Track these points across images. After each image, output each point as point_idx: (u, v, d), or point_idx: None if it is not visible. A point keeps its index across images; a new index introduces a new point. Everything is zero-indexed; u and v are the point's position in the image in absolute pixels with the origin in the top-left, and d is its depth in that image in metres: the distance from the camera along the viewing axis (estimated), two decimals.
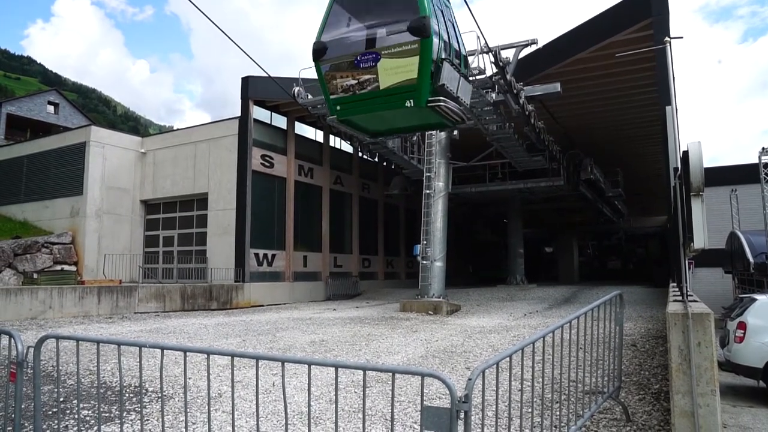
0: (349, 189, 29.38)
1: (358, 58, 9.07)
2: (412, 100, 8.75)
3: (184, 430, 5.36)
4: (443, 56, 8.91)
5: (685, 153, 6.23)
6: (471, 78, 11.46)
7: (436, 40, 8.59)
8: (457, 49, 9.65)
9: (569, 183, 26.88)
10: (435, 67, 8.70)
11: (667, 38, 10.02)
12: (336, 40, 9.30)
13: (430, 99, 8.76)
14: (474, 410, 5.36)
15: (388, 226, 32.78)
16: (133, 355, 8.46)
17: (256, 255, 23.18)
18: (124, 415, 5.99)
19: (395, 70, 8.83)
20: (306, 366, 3.61)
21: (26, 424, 5.26)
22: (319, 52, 9.49)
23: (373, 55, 8.92)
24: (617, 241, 46.94)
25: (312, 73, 19.38)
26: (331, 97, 9.43)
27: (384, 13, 9.26)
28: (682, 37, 10.45)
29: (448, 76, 9.07)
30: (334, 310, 19.67)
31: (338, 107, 9.47)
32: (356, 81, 9.19)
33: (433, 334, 12.62)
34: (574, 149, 27.06)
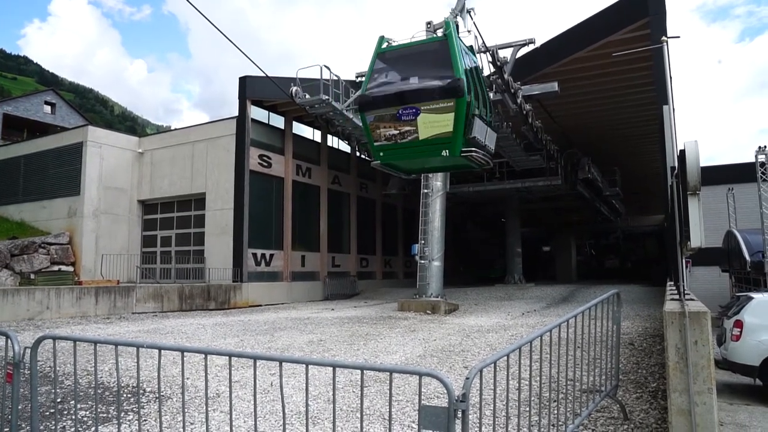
0: (347, 189, 29.37)
1: (400, 112, 10.39)
2: (447, 150, 10.16)
3: (182, 430, 5.36)
4: (475, 111, 10.19)
5: (682, 152, 6.24)
6: (496, 123, 12.69)
7: (468, 98, 9.87)
8: (485, 99, 11.01)
9: (567, 182, 26.92)
10: (467, 122, 9.97)
11: (664, 38, 10.03)
12: (380, 95, 10.62)
13: (463, 150, 10.11)
14: (472, 409, 5.37)
15: (386, 226, 32.78)
16: (130, 356, 8.44)
17: (254, 255, 23.16)
18: (122, 415, 5.98)
19: (433, 124, 10.13)
20: (304, 366, 3.61)
21: (23, 425, 5.26)
22: (366, 104, 10.92)
23: (414, 110, 10.25)
24: (615, 240, 47.00)
25: (309, 73, 19.47)
26: (375, 144, 10.83)
27: (423, 71, 10.60)
28: (679, 37, 10.46)
29: (479, 129, 10.45)
30: (332, 309, 19.67)
31: (381, 153, 10.88)
32: (398, 131, 10.54)
33: (431, 334, 12.63)
34: (572, 148, 27.10)
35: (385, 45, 10.98)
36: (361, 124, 15.43)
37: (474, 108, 10.23)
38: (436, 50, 10.65)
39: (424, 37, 11.50)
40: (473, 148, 10.32)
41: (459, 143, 10.11)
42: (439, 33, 11.64)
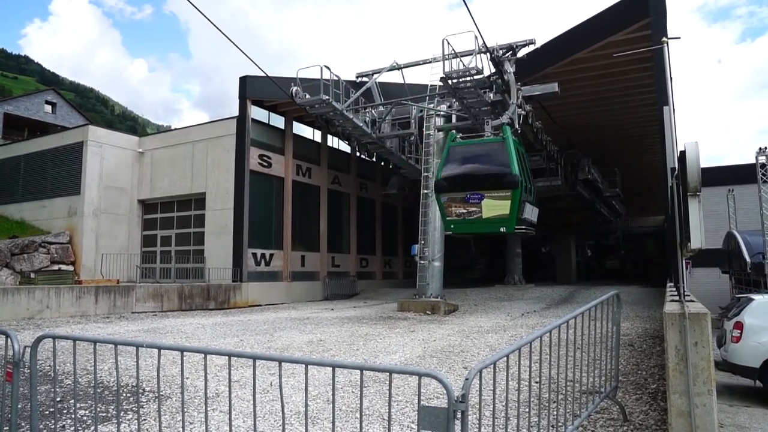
0: (346, 189, 29.37)
1: (468, 196, 14.01)
2: (504, 228, 13.84)
3: (181, 430, 5.35)
4: (524, 197, 13.63)
5: (683, 153, 6.24)
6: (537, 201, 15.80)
7: (520, 189, 13.33)
8: (531, 186, 14.56)
9: (567, 183, 26.91)
10: (520, 206, 13.43)
11: (664, 38, 10.03)
12: (452, 181, 14.33)
13: (516, 227, 13.73)
14: (471, 410, 5.37)
15: (386, 226, 32.78)
16: (130, 355, 8.44)
17: (254, 255, 23.16)
18: (121, 415, 5.98)
19: (494, 207, 13.66)
20: (303, 366, 3.61)
21: (23, 424, 5.25)
22: (441, 188, 14.60)
23: (479, 196, 13.87)
24: (615, 241, 46.94)
25: (309, 73, 19.48)
26: (447, 218, 14.62)
27: (487, 165, 14.13)
28: (679, 38, 10.46)
29: (528, 211, 14.21)
30: (332, 309, 19.66)
31: (452, 225, 14.67)
32: (466, 210, 14.16)
33: (430, 334, 12.62)
34: (572, 149, 27.08)
35: (454, 139, 14.96)
36: (360, 124, 18.19)
37: (524, 194, 13.65)
38: (496, 149, 14.09)
39: (486, 137, 15.09)
40: (523, 226, 14.11)
41: (513, 223, 13.63)
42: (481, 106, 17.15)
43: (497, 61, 16.54)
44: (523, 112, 17.02)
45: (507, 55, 17.09)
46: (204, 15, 8.59)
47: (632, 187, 36.81)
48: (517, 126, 16.11)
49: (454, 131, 15.38)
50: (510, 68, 17.09)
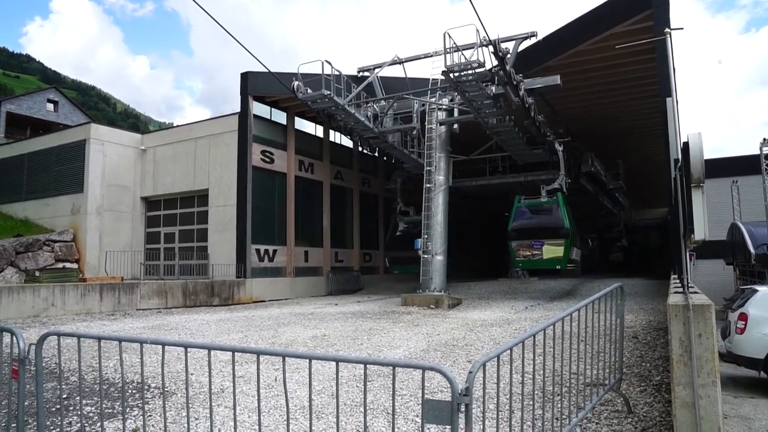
0: (349, 184, 29.36)
1: (533, 243, 20.04)
2: (558, 266, 20.34)
3: (186, 425, 5.37)
4: (572, 242, 20.10)
5: (686, 144, 6.22)
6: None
7: (570, 238, 19.78)
8: (576, 234, 21.28)
9: (570, 176, 26.82)
10: (569, 250, 19.69)
11: (667, 29, 9.98)
12: (520, 232, 20.40)
13: (568, 265, 20.84)
14: (475, 403, 5.38)
15: (389, 221, 32.74)
16: (135, 352, 8.48)
17: (258, 251, 23.19)
18: (127, 411, 6.01)
19: (551, 251, 19.71)
20: (307, 361, 3.62)
21: (30, 421, 5.29)
22: (512, 237, 20.53)
23: (540, 243, 19.96)
24: (618, 234, 46.85)
25: (311, 68, 19.44)
26: (516, 258, 20.73)
27: (545, 219, 20.26)
28: (682, 28, 10.41)
29: (575, 253, 20.89)
30: (336, 304, 19.70)
31: (520, 264, 21.34)
32: (530, 253, 20.14)
33: (434, 328, 12.64)
34: (575, 142, 26.98)
35: (520, 200, 21.24)
36: (362, 119, 18.97)
37: (573, 239, 20.24)
38: (552, 209, 20.39)
39: (542, 199, 20.98)
40: (571, 264, 21.54)
41: (565, 262, 20.18)
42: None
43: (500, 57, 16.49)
44: (569, 180, 22.71)
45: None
46: (206, 11, 8.58)
47: (636, 180, 36.68)
48: (564, 189, 21.56)
49: (519, 195, 21.95)
50: (559, 148, 22.20)
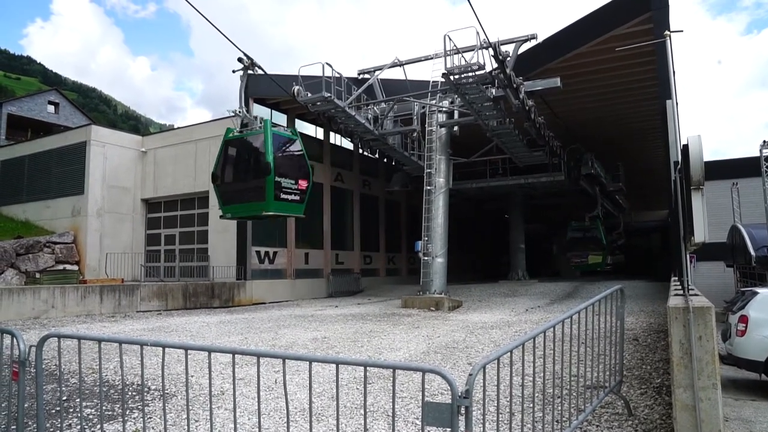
0: (349, 186, 29.35)
1: (582, 253, 32.70)
2: (599, 268, 32.72)
3: (186, 427, 5.37)
4: (607, 252, 33.36)
5: (685, 147, 6.22)
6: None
7: (606, 250, 33.07)
8: (609, 243, 34.31)
9: (570, 178, 26.86)
10: (606, 258, 33.03)
11: (667, 32, 9.99)
12: (573, 245, 33.09)
13: (606, 266, 33.53)
14: (475, 405, 5.37)
15: (389, 223, 32.77)
16: (135, 354, 8.48)
17: (258, 252, 23.19)
18: (127, 413, 6.01)
19: (593, 258, 32.11)
20: (307, 363, 3.62)
21: (30, 423, 5.28)
22: (567, 248, 33.84)
23: (586, 254, 32.32)
24: (618, 236, 46.87)
25: (311, 70, 19.45)
26: (571, 265, 34.11)
27: (590, 237, 32.37)
28: (682, 31, 10.43)
29: (609, 259, 34.28)
30: (336, 306, 19.69)
31: (573, 267, 34.02)
32: (579, 260, 32.76)
33: (434, 330, 12.63)
34: (575, 144, 27.02)
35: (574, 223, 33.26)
36: (363, 121, 18.83)
37: (607, 252, 33.04)
38: (594, 228, 32.10)
39: (585, 223, 32.56)
40: (608, 266, 33.40)
41: (603, 265, 32.48)
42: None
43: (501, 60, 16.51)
44: (603, 209, 32.24)
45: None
46: (204, 16, 8.60)
47: (636, 182, 36.71)
48: (600, 216, 32.05)
49: (571, 221, 33.25)
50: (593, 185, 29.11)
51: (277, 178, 13.43)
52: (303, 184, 14.44)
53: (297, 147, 14.78)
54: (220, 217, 15.29)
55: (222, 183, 15.07)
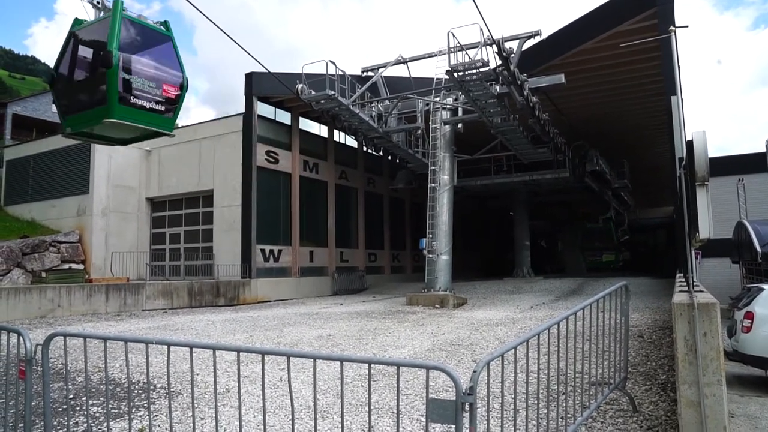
0: (354, 184, 29.38)
1: (597, 252, 38.70)
2: (612, 265, 37.12)
3: (192, 425, 5.40)
4: (620, 251, 39.27)
5: (690, 143, 6.20)
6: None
7: (619, 251, 38.85)
8: (622, 242, 39.26)
9: (574, 175, 26.78)
10: (620, 255, 39.01)
11: (672, 27, 9.94)
12: (588, 244, 38.66)
13: (619, 263, 38.08)
14: (480, 402, 5.38)
15: (394, 221, 32.77)
16: (140, 352, 8.50)
17: (263, 251, 23.24)
18: (133, 411, 6.04)
19: (607, 256, 38.20)
20: (312, 360, 3.63)
21: (37, 421, 5.32)
22: (584, 248, 39.16)
23: (601, 253, 38.32)
24: (623, 233, 46.73)
25: (315, 68, 19.48)
26: (587, 261, 38.22)
27: (604, 238, 37.39)
28: (687, 26, 10.39)
29: (623, 256, 39.44)
30: (341, 304, 19.72)
31: (590, 263, 37.99)
32: (594, 257, 38.29)
33: (439, 328, 12.64)
34: (580, 141, 26.93)
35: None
36: (366, 119, 18.90)
37: (620, 250, 38.63)
38: (607, 230, 37.00)
39: (599, 224, 37.00)
40: (621, 263, 37.99)
41: (617, 262, 37.69)
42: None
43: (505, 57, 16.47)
44: (614, 211, 34.45)
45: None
46: (206, 16, 8.60)
47: (641, 179, 36.60)
48: (613, 217, 35.37)
49: (586, 222, 37.58)
50: (612, 209, 31.16)
51: (126, 76, 10.29)
52: (171, 90, 11.16)
53: (166, 46, 11.50)
54: (62, 134, 11.66)
55: (60, 85, 11.08)
